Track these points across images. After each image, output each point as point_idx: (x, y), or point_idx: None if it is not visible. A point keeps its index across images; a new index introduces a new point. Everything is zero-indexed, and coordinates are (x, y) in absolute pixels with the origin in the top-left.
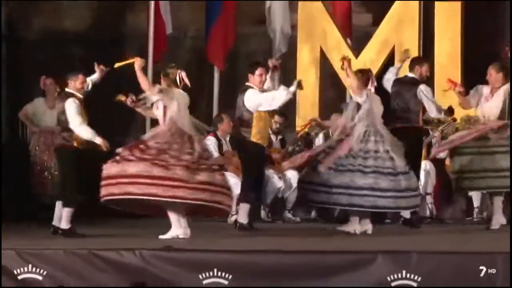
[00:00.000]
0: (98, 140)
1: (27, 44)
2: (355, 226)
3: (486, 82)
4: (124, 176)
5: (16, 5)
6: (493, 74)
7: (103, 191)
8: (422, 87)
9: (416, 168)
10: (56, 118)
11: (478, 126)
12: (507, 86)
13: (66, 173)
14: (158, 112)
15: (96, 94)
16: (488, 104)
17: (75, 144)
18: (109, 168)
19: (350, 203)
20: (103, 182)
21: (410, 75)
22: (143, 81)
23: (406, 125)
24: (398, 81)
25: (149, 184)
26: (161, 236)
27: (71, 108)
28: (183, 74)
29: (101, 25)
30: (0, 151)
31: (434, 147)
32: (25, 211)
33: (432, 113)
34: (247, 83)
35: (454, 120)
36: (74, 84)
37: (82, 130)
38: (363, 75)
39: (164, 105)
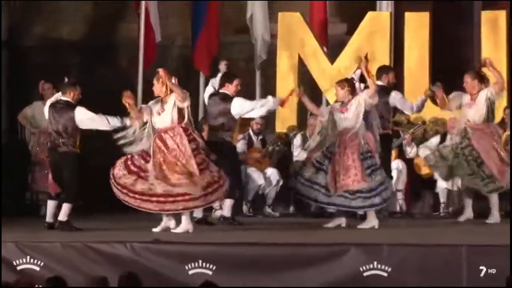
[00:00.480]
0: (125, 121)
1: (27, 50)
2: (373, 221)
3: (453, 86)
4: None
5: (17, 14)
6: (469, 81)
7: (134, 203)
8: (394, 94)
9: (388, 171)
10: (61, 125)
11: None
12: (485, 91)
13: (71, 175)
14: (163, 117)
15: (92, 94)
16: (473, 110)
17: (77, 149)
18: (134, 185)
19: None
20: (134, 195)
21: (379, 83)
22: (181, 93)
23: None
24: None
25: (165, 202)
26: (173, 230)
27: (86, 112)
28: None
29: (95, 34)
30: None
31: (404, 148)
32: (23, 207)
33: (409, 111)
34: (223, 91)
35: (424, 123)
36: (72, 95)
37: (115, 122)
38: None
39: (183, 107)
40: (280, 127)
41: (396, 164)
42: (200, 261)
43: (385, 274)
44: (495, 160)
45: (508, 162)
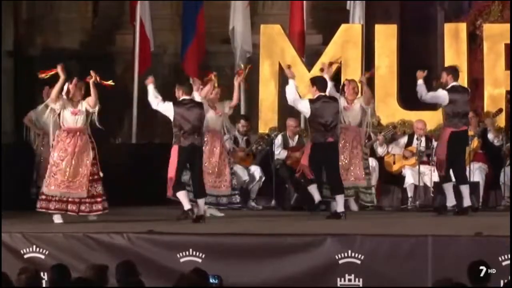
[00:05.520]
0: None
1: (31, 59)
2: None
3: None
4: None
5: (22, 27)
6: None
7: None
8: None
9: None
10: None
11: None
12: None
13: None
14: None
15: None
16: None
17: None
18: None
19: None
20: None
21: (455, 83)
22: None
23: None
24: None
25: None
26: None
27: None
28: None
29: (94, 44)
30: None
31: (376, 148)
32: (29, 201)
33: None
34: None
35: (394, 127)
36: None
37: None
38: None
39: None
40: (263, 128)
41: (370, 162)
42: (190, 250)
43: (358, 262)
44: None
45: None
